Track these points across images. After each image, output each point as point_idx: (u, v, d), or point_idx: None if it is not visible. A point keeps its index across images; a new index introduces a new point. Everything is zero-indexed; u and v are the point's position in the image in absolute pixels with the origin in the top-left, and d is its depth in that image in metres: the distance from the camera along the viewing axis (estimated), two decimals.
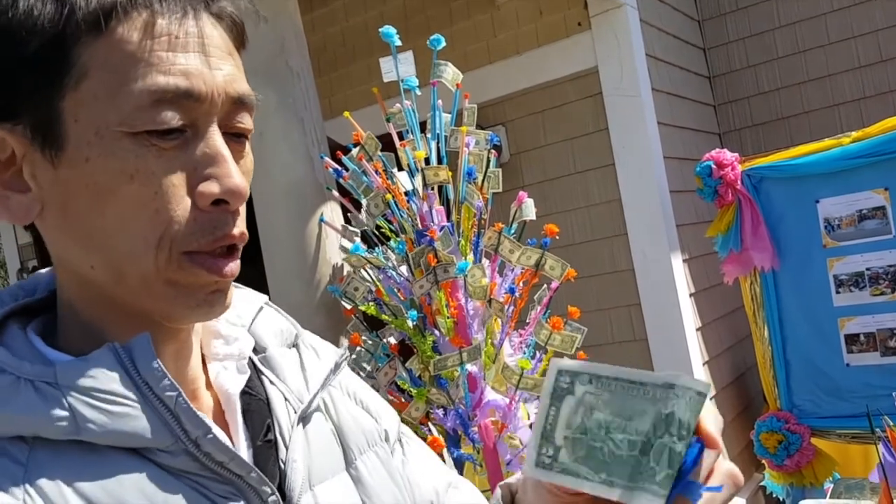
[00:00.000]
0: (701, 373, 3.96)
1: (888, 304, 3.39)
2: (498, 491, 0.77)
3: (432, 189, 2.52)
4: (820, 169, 3.47)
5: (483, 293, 2.31)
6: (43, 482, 0.59)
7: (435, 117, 2.59)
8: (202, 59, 0.62)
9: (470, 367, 2.33)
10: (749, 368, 4.61)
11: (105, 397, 0.62)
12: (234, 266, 0.65)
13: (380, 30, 2.55)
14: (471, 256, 2.47)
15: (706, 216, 4.41)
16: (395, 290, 2.62)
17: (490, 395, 2.33)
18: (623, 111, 4.06)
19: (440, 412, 2.40)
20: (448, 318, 2.36)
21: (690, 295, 4.10)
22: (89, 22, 0.59)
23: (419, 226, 2.52)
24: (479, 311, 2.39)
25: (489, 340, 2.39)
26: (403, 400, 2.49)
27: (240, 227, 0.66)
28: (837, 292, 3.50)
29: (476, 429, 2.32)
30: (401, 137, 2.64)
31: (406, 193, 2.56)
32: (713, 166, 3.60)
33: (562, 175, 4.26)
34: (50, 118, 0.60)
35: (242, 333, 0.75)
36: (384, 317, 2.53)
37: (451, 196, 2.57)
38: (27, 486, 0.58)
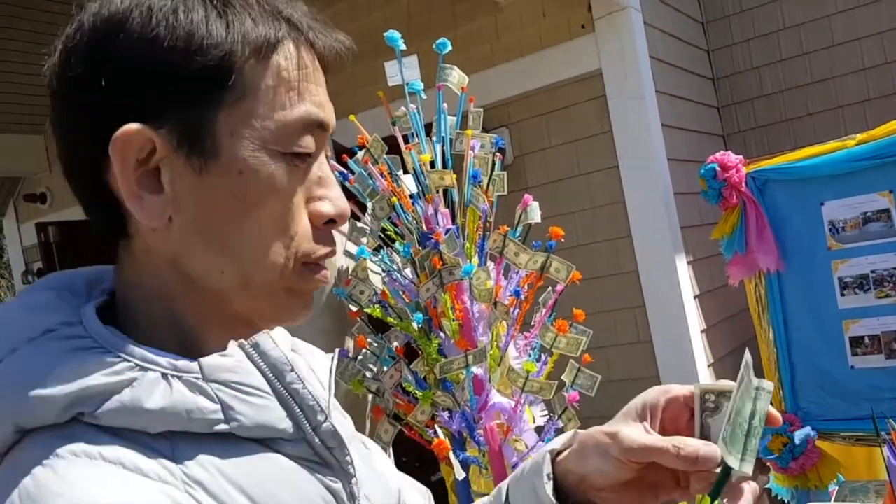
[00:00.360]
0: (706, 375, 3.97)
1: (893, 306, 3.39)
2: (544, 451, 0.82)
3: (437, 192, 2.52)
4: (825, 171, 3.46)
5: (488, 296, 2.31)
6: (197, 473, 0.62)
7: (440, 121, 2.59)
8: (324, 91, 0.71)
9: (475, 370, 2.34)
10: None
11: (247, 390, 0.66)
12: (327, 273, 0.73)
13: (385, 34, 2.55)
14: (476, 259, 2.48)
15: (711, 218, 4.41)
16: (401, 292, 2.62)
17: (495, 397, 2.33)
18: (627, 113, 4.07)
19: (445, 415, 2.40)
20: (453, 320, 2.37)
21: (695, 297, 4.10)
22: (254, 48, 0.65)
23: (424, 228, 2.52)
24: (485, 313, 2.40)
25: (494, 343, 2.39)
26: (409, 402, 2.50)
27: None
28: (842, 295, 3.49)
29: (482, 431, 2.32)
30: (406, 141, 2.64)
31: (411, 196, 2.57)
32: (717, 168, 3.59)
33: (566, 177, 4.27)
34: (201, 128, 0.64)
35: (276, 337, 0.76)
36: (389, 319, 2.53)
37: (456, 199, 2.57)
38: (185, 478, 0.61)
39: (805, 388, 3.60)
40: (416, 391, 2.47)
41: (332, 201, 0.71)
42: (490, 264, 2.48)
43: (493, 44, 4.46)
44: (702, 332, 4.08)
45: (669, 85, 4.44)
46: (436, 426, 2.39)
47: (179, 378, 0.63)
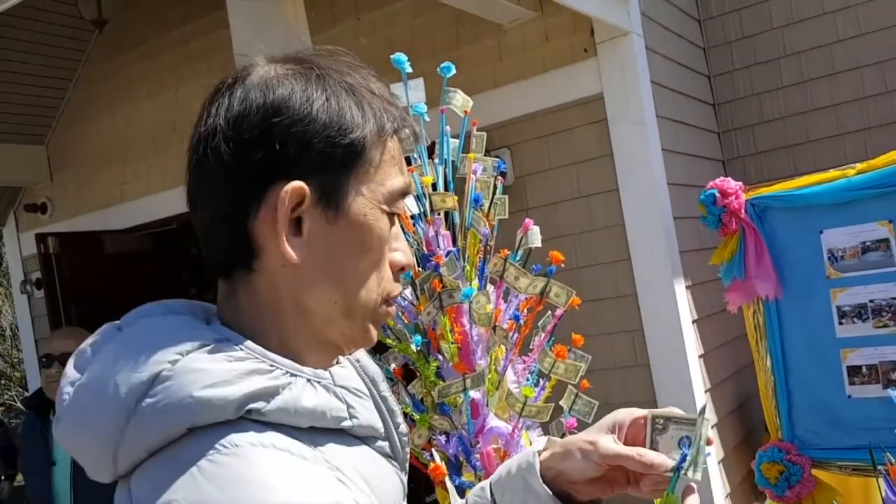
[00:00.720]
0: (703, 400, 3.96)
1: (891, 336, 3.39)
2: (531, 452, 1.02)
3: (438, 214, 2.53)
4: (824, 199, 3.48)
5: (488, 320, 2.31)
6: (333, 459, 0.77)
7: (443, 143, 2.60)
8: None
9: (473, 394, 2.33)
10: (751, 397, 4.60)
11: (361, 395, 0.85)
12: (393, 309, 0.91)
13: (391, 56, 2.57)
14: (476, 282, 2.48)
15: (709, 243, 4.42)
16: (400, 313, 2.62)
17: (493, 422, 2.32)
18: (628, 137, 4.08)
19: (442, 438, 2.39)
20: (452, 343, 2.36)
21: (693, 321, 4.10)
22: (377, 132, 0.83)
23: (425, 250, 2.53)
24: (484, 337, 2.39)
25: (493, 367, 2.39)
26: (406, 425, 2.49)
27: None
28: (840, 323, 3.49)
29: (478, 456, 2.31)
30: (408, 162, 2.65)
31: (412, 217, 2.57)
32: (717, 194, 3.60)
33: (566, 199, 4.27)
34: (337, 189, 0.80)
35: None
36: (388, 341, 2.53)
37: (457, 221, 2.58)
38: (328, 463, 0.76)
39: (802, 416, 3.59)
40: (414, 414, 2.46)
41: (404, 252, 0.89)
42: (490, 287, 2.48)
43: (496, 65, 4.48)
44: (699, 356, 4.08)
45: (670, 110, 4.46)
46: (433, 449, 2.38)
47: (319, 383, 0.80)
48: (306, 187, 0.78)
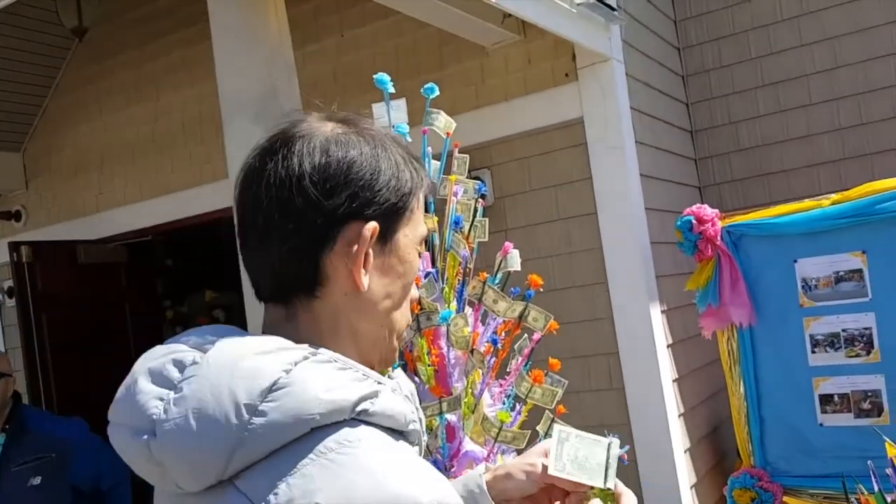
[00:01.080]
0: (676, 425, 3.97)
1: (863, 366, 3.43)
2: (478, 473, 1.25)
3: None
4: (799, 229, 3.53)
5: (465, 343, 2.31)
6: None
7: (425, 165, 2.61)
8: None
9: (449, 417, 2.32)
10: (723, 422, 4.62)
11: (416, 403, 1.01)
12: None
13: (374, 76, 2.57)
14: (454, 304, 2.48)
15: (685, 268, 4.45)
16: None
17: (468, 445, 2.31)
18: (607, 162, 4.11)
19: None
20: (429, 366, 2.36)
21: (668, 346, 4.12)
22: (416, 186, 1.00)
23: None
24: (461, 360, 2.39)
25: (469, 390, 2.38)
26: None
27: None
28: (813, 352, 3.53)
29: (453, 479, 2.30)
30: None
31: None
32: (694, 221, 3.65)
33: (545, 221, 4.29)
34: (390, 230, 0.97)
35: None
36: None
37: (437, 242, 2.58)
38: None
39: (774, 443, 3.62)
40: None
41: (416, 287, 1.08)
42: (468, 310, 2.48)
43: (479, 86, 4.50)
44: (674, 381, 4.09)
45: (649, 136, 4.50)
46: None
47: (397, 391, 0.93)
48: (377, 227, 0.94)
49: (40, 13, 5.67)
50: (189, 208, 5.54)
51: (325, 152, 0.94)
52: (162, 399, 0.84)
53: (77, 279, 5.63)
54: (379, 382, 0.88)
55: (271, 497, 0.77)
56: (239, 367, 0.82)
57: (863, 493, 2.16)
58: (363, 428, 0.84)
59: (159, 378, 0.87)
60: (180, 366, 0.86)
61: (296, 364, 0.83)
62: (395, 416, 0.88)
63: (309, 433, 0.81)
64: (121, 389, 0.93)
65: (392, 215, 0.97)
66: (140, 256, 6.07)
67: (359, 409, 0.84)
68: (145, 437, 0.84)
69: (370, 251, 0.94)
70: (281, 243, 0.93)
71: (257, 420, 0.79)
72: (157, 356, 0.91)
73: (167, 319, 6.44)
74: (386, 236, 0.96)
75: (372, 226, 0.93)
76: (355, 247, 0.92)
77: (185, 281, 7.19)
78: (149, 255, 6.16)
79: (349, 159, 0.95)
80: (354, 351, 0.95)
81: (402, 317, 1.02)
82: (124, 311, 5.88)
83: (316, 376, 0.83)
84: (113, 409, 0.94)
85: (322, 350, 0.88)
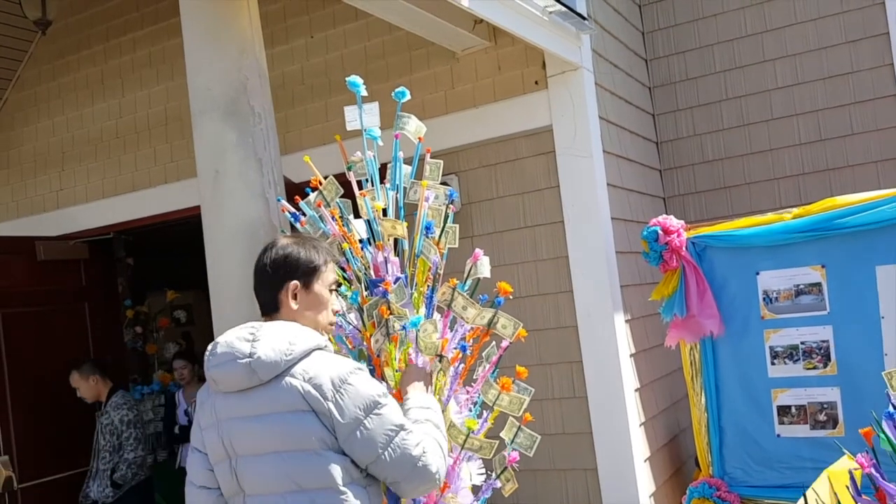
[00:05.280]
0: (638, 434, 4.01)
1: (820, 378, 3.50)
2: None
3: (388, 240, 2.52)
4: (762, 242, 3.58)
5: (434, 349, 2.31)
6: None
7: (395, 169, 2.60)
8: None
9: None
10: (683, 430, 4.68)
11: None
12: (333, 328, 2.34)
13: (346, 79, 2.56)
14: (423, 310, 2.47)
15: (649, 278, 4.50)
16: (343, 337, 2.60)
17: None
18: (574, 170, 4.14)
19: None
20: (397, 371, 2.35)
21: (631, 355, 4.16)
22: (324, 262, 2.19)
23: (373, 275, 2.51)
24: (428, 366, 2.38)
25: (436, 397, 2.37)
26: None
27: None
28: (773, 363, 3.59)
29: None
30: (360, 186, 2.64)
31: (361, 241, 2.56)
32: (660, 231, 3.69)
33: (512, 228, 4.31)
34: (310, 283, 2.15)
35: None
36: None
37: (407, 247, 2.57)
38: None
39: (732, 453, 3.67)
40: None
41: (333, 308, 2.25)
42: (437, 316, 2.48)
43: (448, 91, 4.51)
44: (636, 390, 4.13)
45: (616, 145, 4.55)
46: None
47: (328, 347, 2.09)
48: (298, 283, 2.12)
49: (2, 3, 5.56)
50: (152, 207, 5.47)
51: (279, 251, 2.15)
52: (248, 341, 1.98)
53: (35, 276, 5.52)
54: (326, 341, 2.07)
55: (299, 372, 1.93)
56: (284, 329, 2.02)
57: None
58: (323, 351, 2.02)
59: (243, 336, 2.01)
60: (250, 333, 2.01)
61: (301, 330, 2.03)
62: (331, 350, 2.07)
63: (310, 353, 1.98)
64: (216, 347, 2.04)
65: (307, 276, 2.13)
66: (101, 254, 5.96)
67: (323, 345, 2.03)
68: (246, 360, 1.94)
69: (298, 293, 2.12)
70: (260, 291, 2.17)
71: (291, 348, 1.95)
72: (235, 331, 2.05)
73: (127, 318, 6.32)
74: (307, 286, 2.14)
75: (294, 284, 2.12)
76: (291, 291, 2.12)
77: (147, 280, 7.08)
78: (110, 253, 6.04)
79: (288, 254, 2.14)
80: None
81: (322, 318, 2.18)
82: (84, 309, 5.76)
83: (310, 334, 2.04)
84: (213, 355, 2.02)
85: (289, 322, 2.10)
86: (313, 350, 1.96)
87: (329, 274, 2.16)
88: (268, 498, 1.92)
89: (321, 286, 2.13)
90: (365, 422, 1.87)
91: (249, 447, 1.94)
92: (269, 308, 2.11)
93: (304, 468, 1.87)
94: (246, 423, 1.94)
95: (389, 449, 1.87)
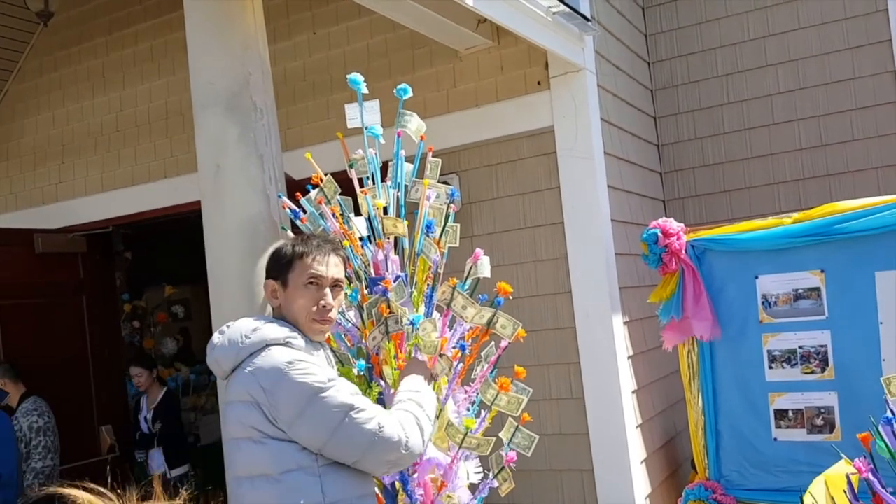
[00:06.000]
0: (634, 436, 4.01)
1: (817, 382, 3.50)
2: None
3: (388, 238, 2.52)
4: (762, 246, 3.58)
5: (433, 348, 2.30)
6: (312, 359, 2.19)
7: (397, 167, 2.60)
8: (320, 265, 2.21)
9: None
10: (679, 433, 4.68)
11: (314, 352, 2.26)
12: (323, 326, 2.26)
13: (347, 77, 2.56)
14: (423, 309, 2.47)
15: (647, 280, 4.50)
16: (342, 335, 2.60)
17: (431, 451, 2.31)
18: (575, 172, 4.13)
19: None
20: (395, 369, 2.35)
21: (628, 357, 4.16)
22: (299, 255, 2.21)
23: (373, 273, 2.51)
24: (433, 367, 2.38)
25: (436, 395, 2.37)
26: None
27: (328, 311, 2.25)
28: (770, 367, 3.59)
29: (415, 486, 2.29)
30: (361, 184, 2.64)
31: (361, 239, 2.56)
32: (659, 234, 3.68)
33: (512, 228, 4.30)
34: (287, 279, 2.19)
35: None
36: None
37: (407, 245, 2.57)
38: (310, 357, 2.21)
39: (729, 456, 3.67)
40: None
41: (324, 300, 2.20)
42: (436, 315, 2.48)
43: (450, 91, 4.50)
44: (633, 392, 4.13)
45: (617, 147, 4.55)
46: None
47: (294, 341, 2.12)
48: (275, 282, 2.22)
49: None
50: (151, 201, 5.46)
51: (269, 254, 2.33)
52: (221, 333, 2.15)
53: (33, 268, 5.51)
54: (295, 337, 2.12)
55: (249, 364, 2.03)
56: (246, 324, 2.12)
57: None
58: (281, 346, 2.06)
59: (221, 330, 2.17)
60: (226, 327, 2.16)
61: (263, 325, 2.11)
62: (298, 346, 2.10)
63: (265, 347, 2.06)
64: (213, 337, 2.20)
65: (283, 273, 2.20)
66: (99, 248, 5.95)
67: (282, 340, 2.08)
68: (213, 352, 2.13)
69: (277, 288, 2.21)
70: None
71: (245, 341, 2.07)
72: (223, 326, 2.21)
73: (125, 313, 6.31)
74: (284, 282, 2.19)
75: (270, 282, 2.23)
76: (270, 289, 2.23)
77: (145, 274, 7.07)
78: (108, 246, 6.04)
79: (269, 254, 2.30)
80: (296, 325, 2.18)
81: (299, 312, 2.17)
82: (81, 302, 5.75)
83: (270, 329, 2.10)
84: (209, 345, 2.17)
85: (274, 319, 2.17)
86: (268, 344, 2.04)
87: (307, 265, 2.16)
88: (232, 480, 2.08)
89: (295, 279, 2.15)
90: (306, 409, 1.93)
91: (225, 432, 2.13)
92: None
93: (247, 455, 2.00)
94: (224, 409, 2.12)
95: (338, 430, 1.93)
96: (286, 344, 2.05)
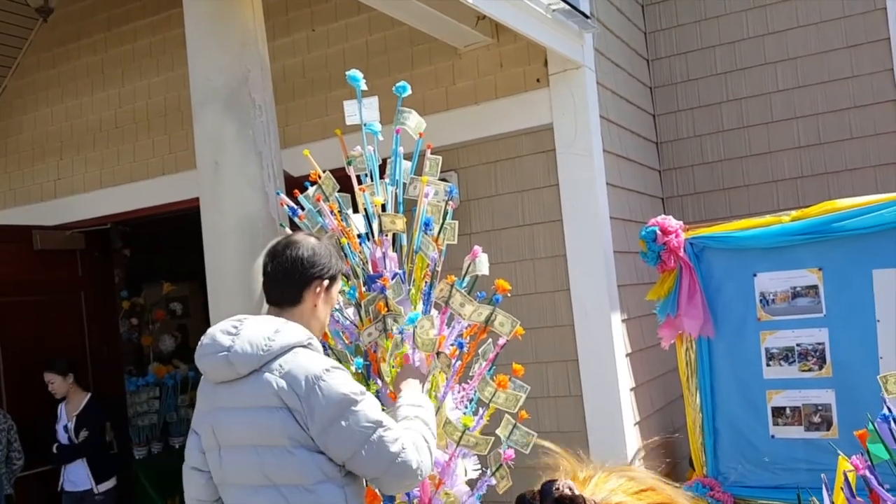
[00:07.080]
0: (632, 434, 4.02)
1: (815, 380, 3.51)
2: None
3: (386, 235, 2.52)
4: (760, 244, 3.59)
5: (431, 346, 2.31)
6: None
7: (395, 164, 2.60)
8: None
9: None
10: (678, 430, 4.69)
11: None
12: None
13: (346, 73, 2.56)
14: (421, 306, 2.47)
15: (646, 278, 4.51)
16: (340, 332, 2.60)
17: None
18: (574, 169, 4.13)
19: None
20: (393, 367, 2.35)
21: (627, 355, 4.16)
22: (338, 270, 2.24)
23: (371, 271, 2.51)
24: (425, 366, 2.38)
25: (433, 393, 2.38)
26: None
27: None
28: (768, 365, 3.60)
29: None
30: (359, 181, 2.64)
31: (359, 236, 2.56)
32: (658, 232, 3.68)
33: (510, 226, 4.30)
34: (330, 286, 2.20)
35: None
36: None
37: (405, 243, 2.57)
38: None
39: (726, 453, 3.68)
40: None
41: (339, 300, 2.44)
42: (434, 312, 2.48)
43: (449, 88, 4.50)
44: (631, 389, 4.14)
45: (616, 145, 4.55)
46: None
47: (312, 343, 2.06)
48: (326, 283, 2.17)
49: None
50: (150, 198, 5.46)
51: (309, 249, 2.15)
52: (230, 334, 2.01)
53: (32, 265, 5.51)
54: (314, 340, 2.06)
55: (276, 367, 1.95)
56: (266, 324, 2.03)
57: None
58: (306, 349, 2.02)
59: (226, 329, 2.03)
60: (234, 326, 2.04)
61: (285, 326, 2.03)
62: (318, 348, 2.06)
63: (291, 349, 1.99)
64: (204, 338, 2.06)
65: (332, 278, 2.18)
66: (97, 245, 5.96)
67: (306, 342, 2.02)
68: (224, 353, 1.98)
69: (321, 292, 2.15)
70: (285, 285, 2.14)
71: (270, 343, 1.97)
72: (221, 324, 2.07)
73: (123, 310, 6.31)
74: (328, 287, 2.17)
75: (324, 283, 2.16)
76: (318, 290, 2.16)
77: (143, 271, 7.07)
78: (106, 243, 6.04)
79: (318, 254, 2.15)
80: (318, 328, 2.18)
81: (325, 318, 2.22)
82: (79, 299, 5.76)
83: (294, 330, 2.03)
84: (201, 346, 2.05)
85: (293, 322, 2.08)
86: (294, 346, 1.97)
87: (340, 280, 2.27)
88: (244, 489, 1.96)
89: (336, 289, 2.21)
90: (340, 419, 1.88)
91: (231, 438, 1.99)
92: (289, 301, 2.10)
93: (275, 464, 1.91)
94: (230, 415, 1.98)
95: (367, 445, 1.88)
96: (309, 346, 2.01)
